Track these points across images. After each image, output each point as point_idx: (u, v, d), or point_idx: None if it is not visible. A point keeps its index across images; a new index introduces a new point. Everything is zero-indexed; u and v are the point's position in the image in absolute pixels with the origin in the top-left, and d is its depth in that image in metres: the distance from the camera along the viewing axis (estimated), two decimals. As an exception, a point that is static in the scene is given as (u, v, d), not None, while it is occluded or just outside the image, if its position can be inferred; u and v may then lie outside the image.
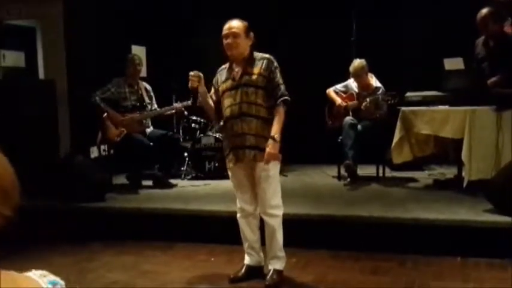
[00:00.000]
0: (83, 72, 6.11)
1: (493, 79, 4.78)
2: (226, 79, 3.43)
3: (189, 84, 3.42)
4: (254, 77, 3.35)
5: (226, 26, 3.37)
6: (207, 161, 6.08)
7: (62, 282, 0.80)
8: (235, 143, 3.38)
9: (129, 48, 6.80)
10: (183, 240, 4.41)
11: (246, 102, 3.33)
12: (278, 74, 3.39)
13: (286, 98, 3.36)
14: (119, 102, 5.68)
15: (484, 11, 4.80)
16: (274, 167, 3.38)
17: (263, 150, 3.30)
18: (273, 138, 3.27)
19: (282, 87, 3.38)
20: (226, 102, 3.40)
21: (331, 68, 6.15)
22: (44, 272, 0.80)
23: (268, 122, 3.35)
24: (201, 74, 3.44)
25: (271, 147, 3.27)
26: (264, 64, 3.37)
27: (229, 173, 3.54)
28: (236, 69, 3.40)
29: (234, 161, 3.41)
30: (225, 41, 3.36)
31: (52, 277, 0.79)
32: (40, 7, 6.05)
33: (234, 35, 3.32)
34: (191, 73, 3.42)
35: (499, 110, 4.46)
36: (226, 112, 3.40)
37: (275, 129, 3.29)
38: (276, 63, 3.41)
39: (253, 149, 3.34)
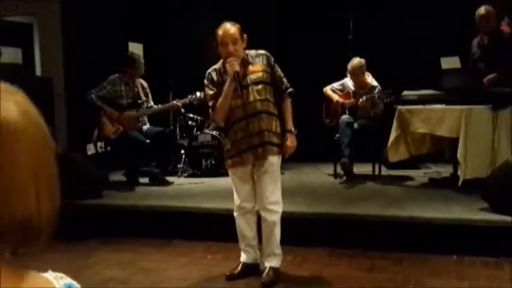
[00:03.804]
0: (80, 69, 6.09)
1: (489, 77, 4.79)
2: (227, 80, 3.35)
3: (230, 68, 3.24)
4: (259, 74, 3.36)
5: (221, 33, 3.28)
6: (204, 158, 6.06)
7: (78, 286, 0.79)
8: (252, 142, 3.33)
9: (126, 45, 6.78)
10: (180, 237, 4.40)
11: (259, 100, 3.33)
12: (278, 68, 3.46)
13: (291, 90, 3.46)
14: (114, 100, 5.65)
15: (487, 8, 4.80)
16: (278, 162, 3.42)
17: (273, 144, 3.35)
18: (291, 132, 3.39)
19: (285, 80, 3.47)
20: (234, 102, 3.33)
21: (328, 66, 6.14)
22: (61, 274, 0.79)
23: (276, 117, 3.40)
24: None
25: (291, 141, 3.38)
26: (264, 60, 3.40)
27: (231, 172, 3.47)
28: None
29: (252, 160, 3.35)
30: (223, 49, 3.29)
31: (69, 280, 0.78)
32: (37, 4, 6.03)
33: (234, 41, 3.27)
34: (229, 58, 3.27)
35: (495, 109, 4.47)
36: (237, 112, 3.34)
37: (290, 123, 3.42)
38: (272, 58, 3.46)
39: (268, 144, 3.35)
